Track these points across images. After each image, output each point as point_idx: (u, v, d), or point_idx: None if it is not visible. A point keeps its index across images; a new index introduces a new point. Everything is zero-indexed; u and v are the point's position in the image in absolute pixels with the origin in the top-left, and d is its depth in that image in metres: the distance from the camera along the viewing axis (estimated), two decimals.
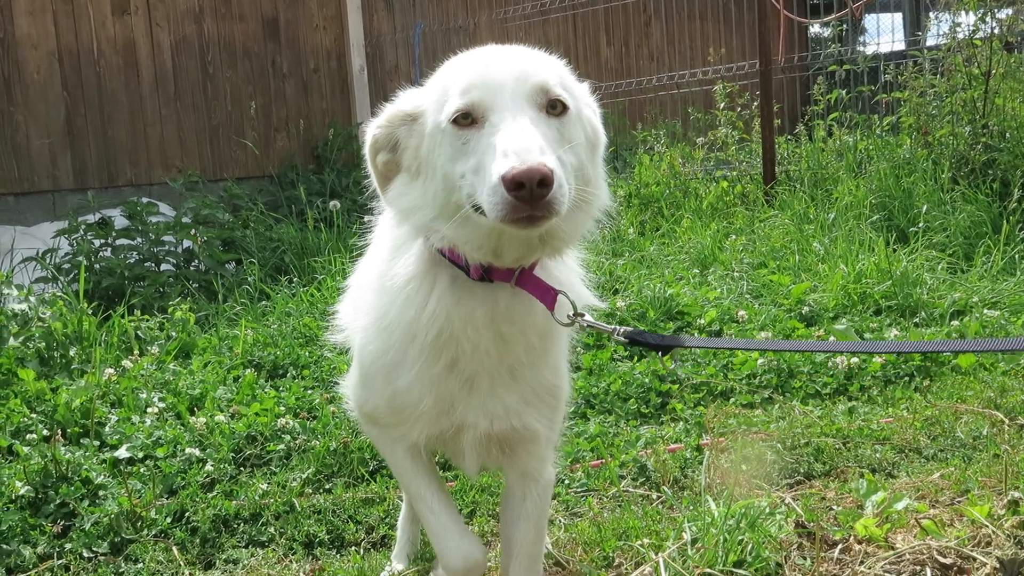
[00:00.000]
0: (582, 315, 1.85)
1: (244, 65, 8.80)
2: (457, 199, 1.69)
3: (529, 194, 1.50)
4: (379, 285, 1.93)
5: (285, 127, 9.05)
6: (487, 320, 1.80)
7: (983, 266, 5.53)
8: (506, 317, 1.80)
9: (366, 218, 2.24)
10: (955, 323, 4.56)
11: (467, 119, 1.66)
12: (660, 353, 1.88)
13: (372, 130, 1.87)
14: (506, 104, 1.63)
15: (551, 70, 1.74)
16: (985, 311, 4.68)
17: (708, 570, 2.29)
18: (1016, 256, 5.59)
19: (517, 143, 1.55)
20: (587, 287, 1.98)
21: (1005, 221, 5.84)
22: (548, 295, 1.80)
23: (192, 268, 6.37)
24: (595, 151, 1.83)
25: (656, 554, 2.39)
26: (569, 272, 1.93)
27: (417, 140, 1.79)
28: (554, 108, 1.68)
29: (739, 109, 8.25)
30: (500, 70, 1.68)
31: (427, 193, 1.76)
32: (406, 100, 1.85)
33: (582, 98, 1.82)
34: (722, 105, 8.18)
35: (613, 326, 1.90)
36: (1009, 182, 6.31)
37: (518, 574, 1.93)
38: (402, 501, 2.89)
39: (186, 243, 6.54)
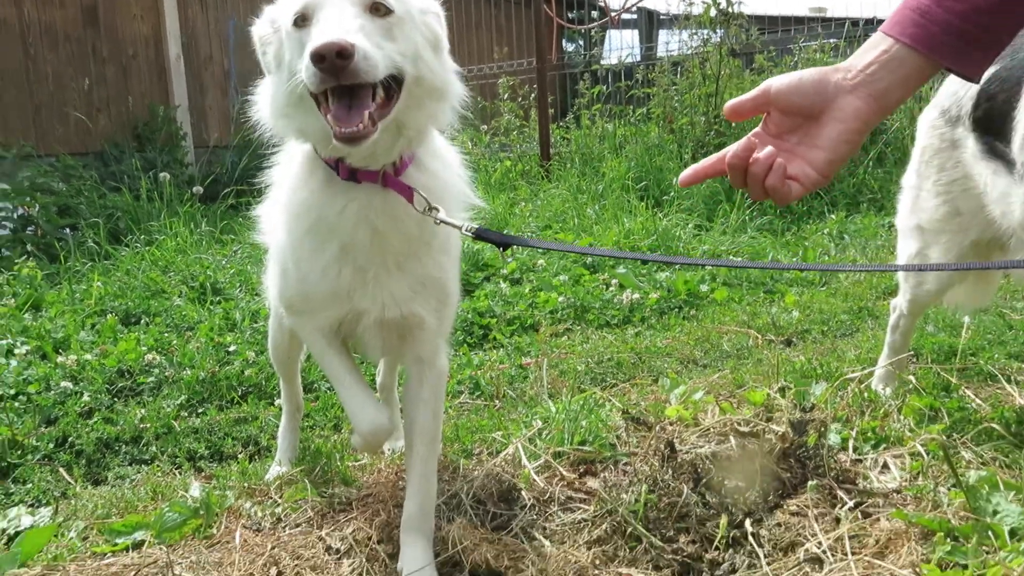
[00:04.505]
0: (437, 209, 1.82)
1: (65, 48, 8.10)
2: (301, 91, 1.66)
3: (331, 66, 1.50)
4: (283, 181, 1.93)
5: (107, 108, 8.42)
6: (360, 217, 1.78)
7: (721, 225, 5.95)
8: (379, 213, 1.79)
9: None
10: (709, 268, 4.90)
11: (304, 21, 1.64)
12: (501, 249, 1.89)
13: (255, 28, 1.83)
14: (332, 4, 1.63)
15: None
16: (731, 257, 5.05)
17: (558, 449, 2.38)
18: (746, 218, 6.05)
19: (324, 28, 1.57)
20: (468, 185, 1.96)
21: (736, 191, 6.30)
22: (406, 192, 1.79)
23: (29, 233, 5.85)
24: (437, 49, 1.81)
25: (514, 440, 2.46)
26: (448, 168, 1.92)
27: (277, 43, 1.76)
28: (378, 10, 1.66)
29: (519, 100, 8.44)
30: None
31: (279, 85, 1.74)
32: (274, 7, 1.81)
33: (417, 5, 1.79)
34: (505, 96, 8.34)
35: (463, 223, 1.87)
36: None
37: (420, 449, 1.94)
38: (278, 418, 2.82)
39: (20, 211, 6.00)
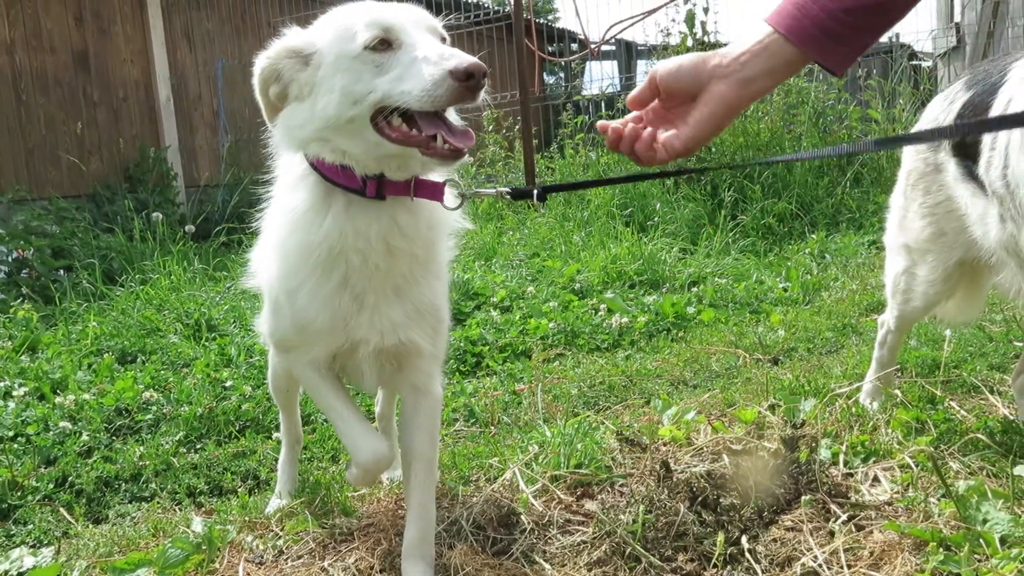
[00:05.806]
0: (470, 188, 1.90)
1: (57, 93, 8.13)
2: (353, 113, 1.68)
3: (477, 83, 1.57)
4: (279, 219, 1.89)
5: (98, 150, 8.44)
6: (380, 234, 1.79)
7: (705, 248, 5.98)
8: (398, 231, 1.80)
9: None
10: (695, 289, 4.92)
11: (383, 44, 1.66)
12: (538, 199, 1.99)
13: (260, 63, 1.80)
14: (419, 32, 1.68)
15: None
16: (716, 279, 5.08)
17: (555, 472, 2.38)
18: (729, 240, 6.09)
19: (452, 51, 1.62)
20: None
21: (719, 214, 6.34)
22: (437, 189, 1.81)
23: (24, 275, 5.83)
24: None
25: (511, 465, 2.45)
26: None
27: (312, 71, 1.74)
28: (442, 39, 1.74)
29: (504, 132, 8.48)
30: (403, 9, 1.72)
31: (318, 109, 1.73)
32: (293, 38, 1.80)
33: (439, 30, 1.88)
34: (490, 128, 8.38)
35: (496, 188, 1.97)
36: (718, 185, 6.87)
37: (418, 475, 1.94)
38: (276, 452, 2.80)
39: (15, 254, 5.98)
